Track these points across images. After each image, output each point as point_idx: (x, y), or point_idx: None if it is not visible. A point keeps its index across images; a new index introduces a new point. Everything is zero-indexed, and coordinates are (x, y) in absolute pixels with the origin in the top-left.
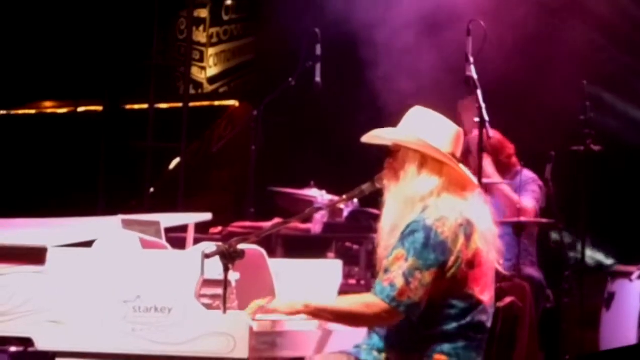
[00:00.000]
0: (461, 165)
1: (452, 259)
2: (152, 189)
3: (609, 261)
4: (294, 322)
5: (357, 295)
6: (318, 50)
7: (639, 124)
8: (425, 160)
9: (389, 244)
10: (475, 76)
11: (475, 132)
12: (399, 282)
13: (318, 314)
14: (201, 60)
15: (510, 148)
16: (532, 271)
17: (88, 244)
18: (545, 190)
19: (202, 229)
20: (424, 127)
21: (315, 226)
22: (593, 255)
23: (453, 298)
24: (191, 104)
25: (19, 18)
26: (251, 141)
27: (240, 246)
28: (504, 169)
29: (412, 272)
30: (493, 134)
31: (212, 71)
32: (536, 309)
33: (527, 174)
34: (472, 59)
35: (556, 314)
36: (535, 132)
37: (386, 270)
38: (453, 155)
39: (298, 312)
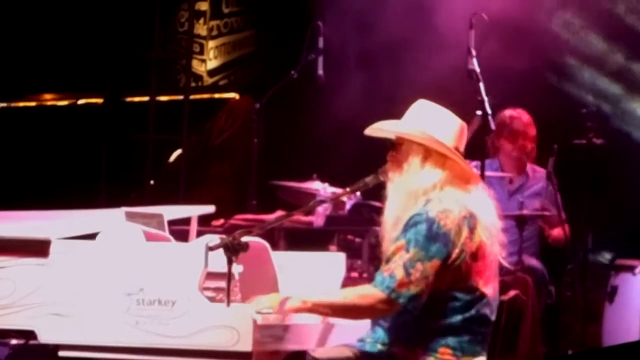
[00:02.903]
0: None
1: (456, 251)
2: (152, 182)
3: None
4: (297, 314)
5: (354, 287)
6: (321, 43)
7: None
8: (429, 154)
9: (392, 236)
10: (477, 69)
11: (506, 113)
12: (399, 273)
13: (315, 309)
14: (201, 52)
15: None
16: (533, 262)
17: (91, 236)
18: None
19: (204, 222)
20: (428, 121)
21: (318, 219)
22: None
23: (457, 291)
24: (192, 97)
25: (19, 10)
26: (253, 134)
27: (244, 239)
28: (522, 160)
29: (413, 264)
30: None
31: (212, 64)
32: (538, 300)
33: (541, 173)
34: (474, 52)
35: (558, 308)
36: (538, 125)
37: (387, 261)
38: (456, 149)
39: (297, 310)
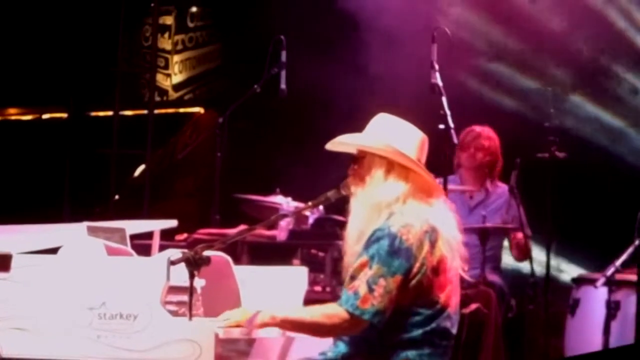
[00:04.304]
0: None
1: (417, 265)
2: (116, 196)
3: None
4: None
5: (321, 306)
6: (283, 57)
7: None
8: (392, 166)
9: (354, 250)
10: (440, 83)
11: (471, 128)
12: (362, 289)
13: (283, 325)
14: (166, 67)
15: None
16: (494, 277)
17: (53, 250)
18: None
19: (167, 236)
20: (390, 133)
21: (281, 233)
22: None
23: (418, 305)
24: (156, 111)
25: None
26: (216, 148)
27: (206, 253)
28: (479, 173)
29: (376, 280)
30: (492, 135)
31: (177, 78)
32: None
33: (503, 188)
34: (437, 66)
35: (521, 321)
36: (500, 139)
37: (352, 278)
38: (419, 161)
39: (266, 325)
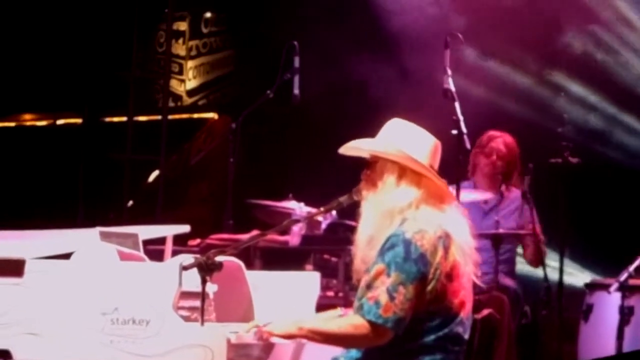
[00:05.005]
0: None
1: (432, 271)
2: (130, 202)
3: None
4: None
5: (346, 317)
6: (296, 62)
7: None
8: (404, 172)
9: (365, 254)
10: (453, 88)
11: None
12: (383, 298)
13: (311, 336)
14: (180, 72)
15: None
16: (508, 281)
17: (66, 256)
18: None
19: (180, 241)
20: (402, 139)
21: (293, 238)
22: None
23: (432, 311)
24: (170, 117)
25: None
26: (230, 153)
27: (218, 258)
28: (495, 179)
29: (396, 287)
30: (514, 145)
31: (191, 84)
32: (513, 318)
33: (517, 193)
34: (449, 72)
35: (534, 327)
36: None
37: (369, 287)
38: (431, 166)
39: (293, 336)
